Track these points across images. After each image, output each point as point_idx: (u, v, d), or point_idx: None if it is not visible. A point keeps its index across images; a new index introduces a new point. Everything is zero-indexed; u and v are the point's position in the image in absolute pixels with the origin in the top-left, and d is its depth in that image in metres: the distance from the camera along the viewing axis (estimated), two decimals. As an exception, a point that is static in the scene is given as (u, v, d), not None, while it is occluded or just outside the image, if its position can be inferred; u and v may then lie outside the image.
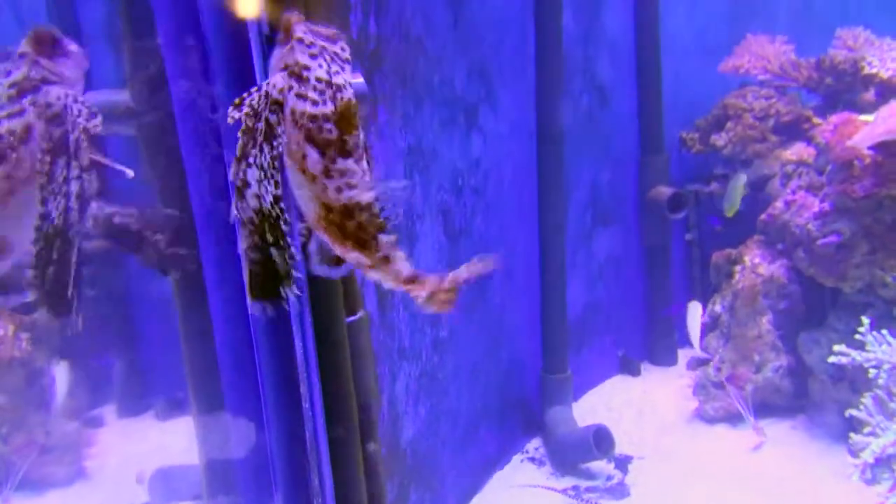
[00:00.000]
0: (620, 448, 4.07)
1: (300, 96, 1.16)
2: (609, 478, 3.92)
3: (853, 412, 3.38)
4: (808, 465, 3.84)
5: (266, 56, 1.72)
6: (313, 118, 1.15)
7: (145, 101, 1.40)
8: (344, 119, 1.16)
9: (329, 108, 1.15)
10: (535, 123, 4.07)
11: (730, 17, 5.19)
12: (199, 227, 1.37)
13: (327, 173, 1.15)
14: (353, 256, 1.21)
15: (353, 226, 1.17)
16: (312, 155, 1.15)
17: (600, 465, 3.99)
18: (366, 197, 1.17)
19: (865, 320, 3.42)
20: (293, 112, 1.15)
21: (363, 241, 1.19)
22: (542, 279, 4.22)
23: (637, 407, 4.60)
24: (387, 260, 1.22)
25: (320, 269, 1.36)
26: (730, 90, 4.90)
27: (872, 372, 3.32)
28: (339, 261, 1.30)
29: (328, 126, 1.15)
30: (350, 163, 1.17)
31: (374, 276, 1.24)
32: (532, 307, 4.24)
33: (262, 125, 1.14)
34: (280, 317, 1.81)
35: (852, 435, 3.34)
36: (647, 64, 4.74)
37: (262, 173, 1.12)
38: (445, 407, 3.66)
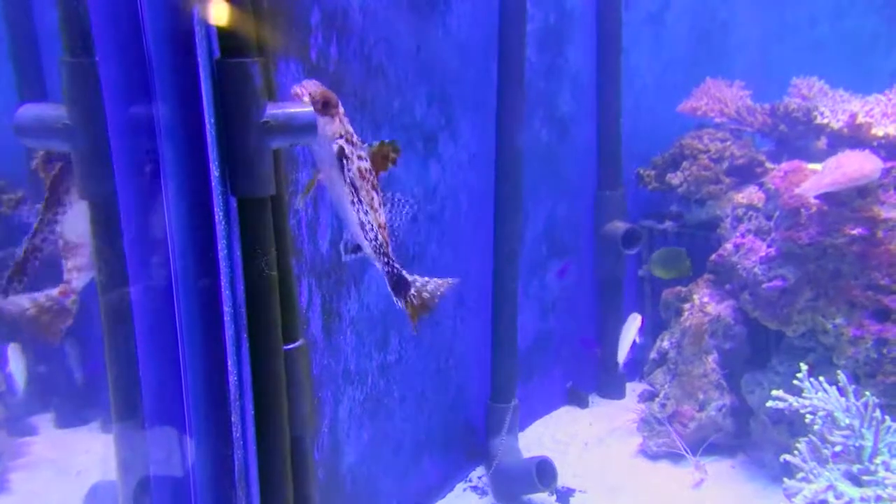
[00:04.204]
0: (563, 481, 4.08)
1: (360, 157, 1.62)
2: (550, 511, 3.93)
3: (787, 457, 3.43)
4: (745, 505, 3.89)
5: (215, 80, 1.71)
6: (369, 170, 1.64)
7: (80, 121, 1.38)
8: (375, 165, 1.66)
9: (368, 162, 1.63)
10: (494, 153, 4.09)
11: (690, 60, 5.30)
12: (128, 253, 1.35)
13: (379, 205, 1.73)
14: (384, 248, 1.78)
15: (384, 231, 1.76)
16: (376, 196, 1.68)
17: (542, 498, 3.99)
18: (384, 217, 1.77)
19: (804, 366, 3.48)
20: (360, 170, 1.61)
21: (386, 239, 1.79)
22: (494, 308, 4.23)
23: (582, 439, 4.62)
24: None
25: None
26: (687, 129, 4.99)
27: (809, 418, 3.37)
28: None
29: (372, 174, 1.64)
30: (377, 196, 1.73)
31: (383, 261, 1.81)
32: (482, 335, 4.24)
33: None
34: (213, 337, 1.79)
35: (786, 480, 3.38)
36: (608, 99, 4.81)
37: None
38: (389, 432, 3.64)
